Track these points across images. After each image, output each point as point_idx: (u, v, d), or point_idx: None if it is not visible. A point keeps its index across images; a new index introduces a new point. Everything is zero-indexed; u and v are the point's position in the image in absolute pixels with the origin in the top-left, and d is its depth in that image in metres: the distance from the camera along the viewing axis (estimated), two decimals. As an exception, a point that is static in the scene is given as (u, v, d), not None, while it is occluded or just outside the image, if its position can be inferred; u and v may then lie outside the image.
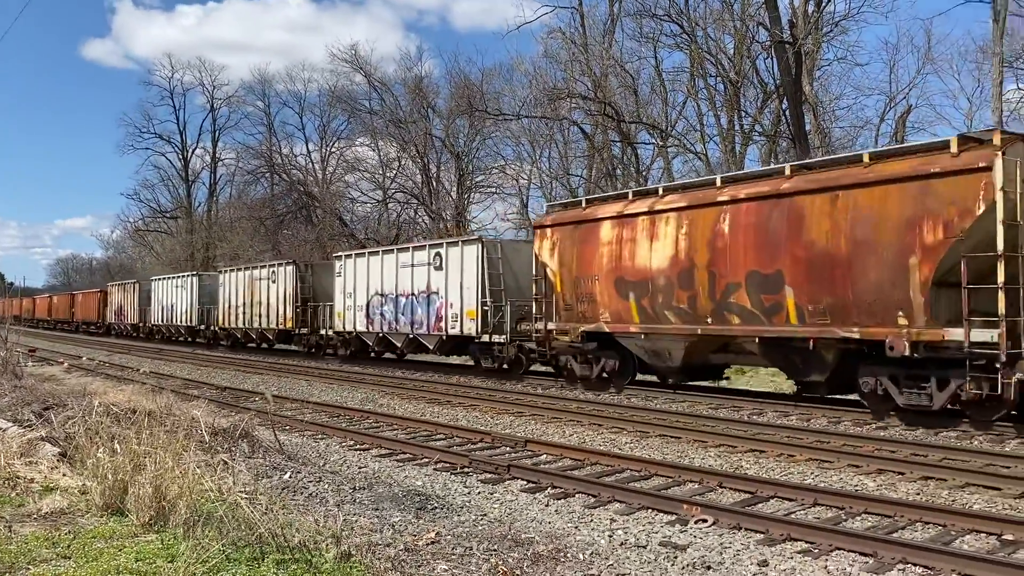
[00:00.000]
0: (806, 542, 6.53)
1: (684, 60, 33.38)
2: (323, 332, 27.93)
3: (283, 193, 53.49)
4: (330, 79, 62.79)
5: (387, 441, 11.35)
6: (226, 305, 34.02)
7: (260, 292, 31.41)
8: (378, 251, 25.83)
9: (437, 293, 22.17)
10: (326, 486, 8.12)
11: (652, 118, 33.72)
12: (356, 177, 51.37)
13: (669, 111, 34.23)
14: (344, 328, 26.22)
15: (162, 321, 41.21)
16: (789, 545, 6.52)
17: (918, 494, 8.37)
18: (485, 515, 7.49)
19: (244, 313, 32.71)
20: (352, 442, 11.53)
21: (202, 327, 36.95)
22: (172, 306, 39.91)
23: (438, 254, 22.38)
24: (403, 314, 23.59)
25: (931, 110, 63.47)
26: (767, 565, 6.07)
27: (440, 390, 18.15)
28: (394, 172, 48.52)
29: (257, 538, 5.20)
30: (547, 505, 7.96)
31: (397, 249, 24.89)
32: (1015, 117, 30.78)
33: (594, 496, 8.15)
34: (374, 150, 49.33)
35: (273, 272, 30.78)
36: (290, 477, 8.37)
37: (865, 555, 6.20)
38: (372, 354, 26.56)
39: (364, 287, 25.24)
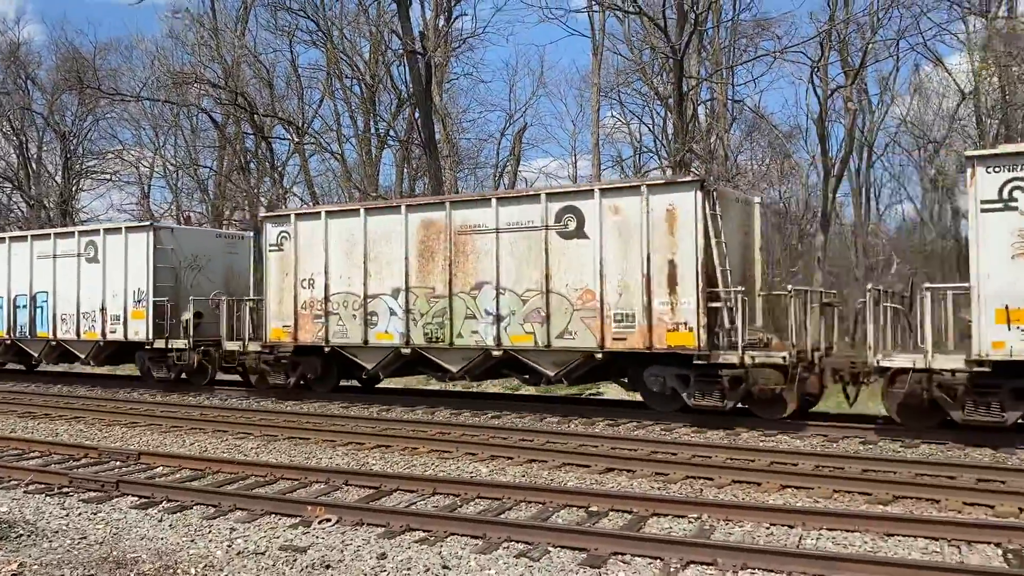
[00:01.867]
0: (424, 531, 6.85)
1: (321, 58, 33.26)
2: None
3: None
4: None
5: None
6: (322, 284, 15.21)
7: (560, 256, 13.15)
8: None
9: None
10: None
11: (288, 113, 33.01)
12: (-70, 153, 43.29)
13: (305, 108, 33.82)
14: None
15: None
16: (408, 535, 6.79)
17: (524, 476, 9.21)
18: (85, 537, 6.76)
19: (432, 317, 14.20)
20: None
21: (167, 344, 17.40)
22: (45, 301, 19.46)
23: None
24: None
25: (544, 129, 70.51)
26: (386, 557, 6.25)
27: (38, 402, 16.02)
28: (-18, 151, 41.75)
29: None
30: (160, 520, 7.41)
31: None
32: (609, 140, 35.34)
33: (214, 506, 7.77)
34: (-45, 123, 41.98)
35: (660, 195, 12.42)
36: None
37: (476, 537, 6.67)
38: None
39: None
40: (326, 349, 15.36)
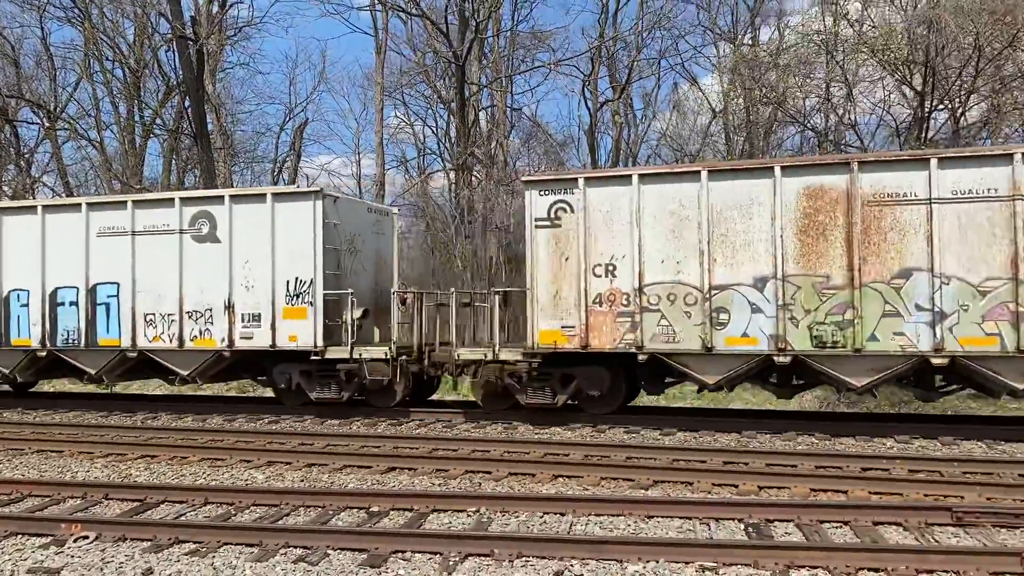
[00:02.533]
0: (194, 542, 6.53)
1: (78, 37, 30.44)
2: None
3: None
4: None
5: None
6: (632, 272, 12.08)
7: None
8: None
9: None
10: None
11: (38, 95, 29.95)
12: None
13: (59, 90, 30.84)
14: None
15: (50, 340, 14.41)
16: (177, 548, 6.44)
17: (303, 481, 9.02)
18: None
19: None
20: None
21: (351, 353, 13.18)
22: (114, 296, 14.10)
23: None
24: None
25: (326, 125, 68.93)
26: (152, 572, 5.90)
27: None
28: None
29: None
30: None
31: None
32: (394, 140, 35.29)
33: (-54, 531, 6.93)
34: None
35: None
36: None
37: (251, 545, 6.45)
38: None
39: None
40: (640, 357, 11.90)
